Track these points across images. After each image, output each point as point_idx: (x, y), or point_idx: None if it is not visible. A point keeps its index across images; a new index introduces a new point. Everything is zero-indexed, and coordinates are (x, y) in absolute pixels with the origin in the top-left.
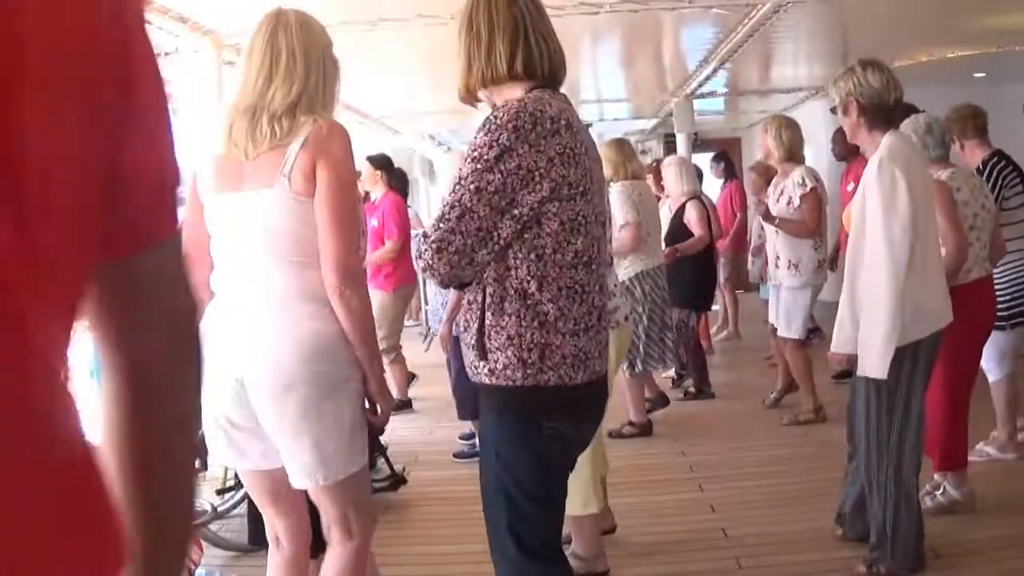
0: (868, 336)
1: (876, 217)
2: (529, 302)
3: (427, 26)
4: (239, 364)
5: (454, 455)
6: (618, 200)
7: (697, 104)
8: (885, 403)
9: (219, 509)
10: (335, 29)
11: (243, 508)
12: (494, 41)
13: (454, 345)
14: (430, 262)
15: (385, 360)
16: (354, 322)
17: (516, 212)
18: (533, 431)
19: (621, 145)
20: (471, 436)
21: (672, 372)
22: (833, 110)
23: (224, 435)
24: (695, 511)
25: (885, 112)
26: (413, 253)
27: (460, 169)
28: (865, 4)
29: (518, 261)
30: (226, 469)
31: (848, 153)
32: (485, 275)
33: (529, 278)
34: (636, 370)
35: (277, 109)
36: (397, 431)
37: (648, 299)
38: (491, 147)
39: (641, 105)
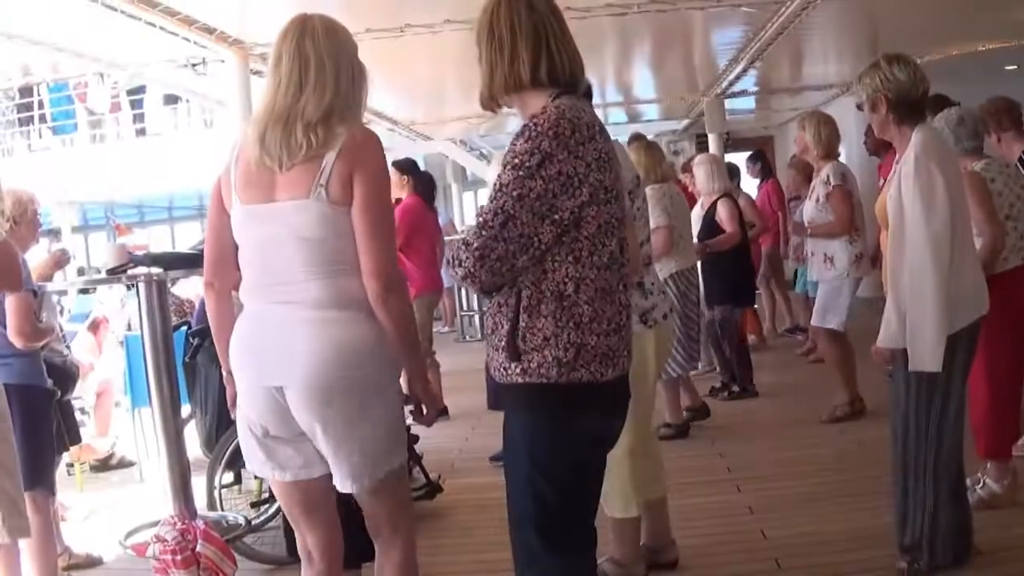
0: (917, 331)
1: (916, 214)
2: (566, 303)
3: (455, 31)
4: (277, 374)
5: (491, 459)
6: (651, 203)
7: (728, 103)
8: (924, 395)
9: (254, 522)
10: (361, 37)
11: (279, 520)
12: (517, 48)
13: None
14: (471, 269)
15: None
16: (397, 326)
17: (557, 217)
18: (566, 428)
19: (651, 148)
20: None
21: (713, 381)
22: (860, 106)
23: (262, 447)
24: (733, 513)
25: (913, 106)
26: (448, 260)
27: (500, 176)
28: None
29: (556, 264)
30: (261, 482)
31: (880, 147)
32: (520, 278)
33: (567, 280)
34: (670, 373)
35: (312, 118)
36: (433, 438)
37: (681, 300)
38: (532, 154)
39: (672, 106)
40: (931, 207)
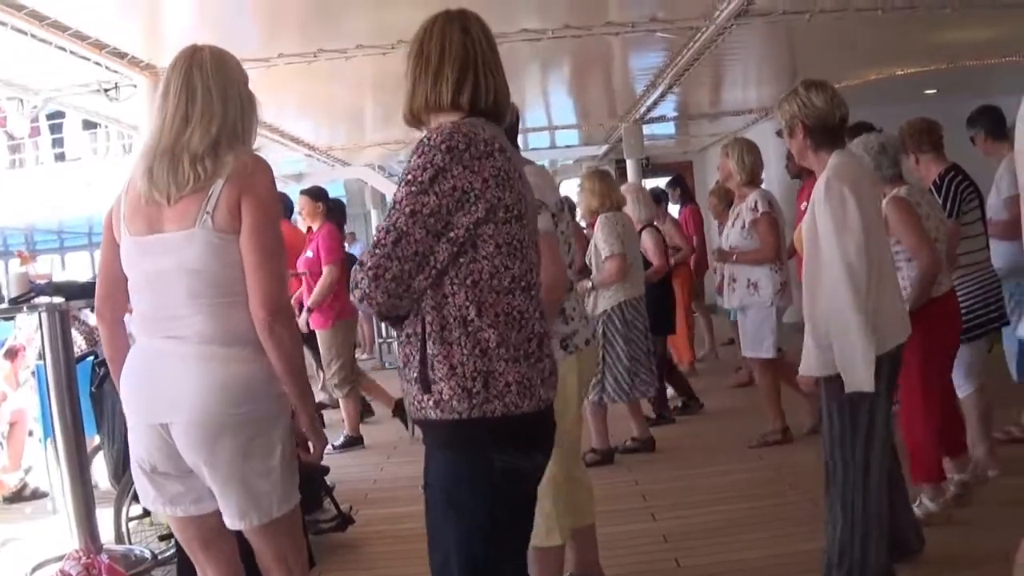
0: (846, 355)
1: (829, 237)
2: (470, 329)
3: (367, 56)
4: (163, 411)
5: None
6: (604, 231)
7: (647, 129)
8: (849, 421)
9: (161, 556)
10: (274, 62)
11: None
12: (443, 69)
13: None
14: (367, 291)
15: (339, 394)
16: (285, 358)
17: (452, 235)
18: (484, 466)
19: (604, 176)
20: None
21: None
22: (779, 133)
23: (152, 483)
24: (647, 542)
25: (831, 132)
26: (351, 279)
27: (395, 193)
28: (812, 24)
29: (455, 287)
30: None
31: (802, 171)
32: (423, 304)
33: (468, 304)
34: (605, 399)
35: (198, 149)
36: (347, 468)
37: (628, 328)
38: (425, 169)
39: (591, 131)
40: (843, 228)
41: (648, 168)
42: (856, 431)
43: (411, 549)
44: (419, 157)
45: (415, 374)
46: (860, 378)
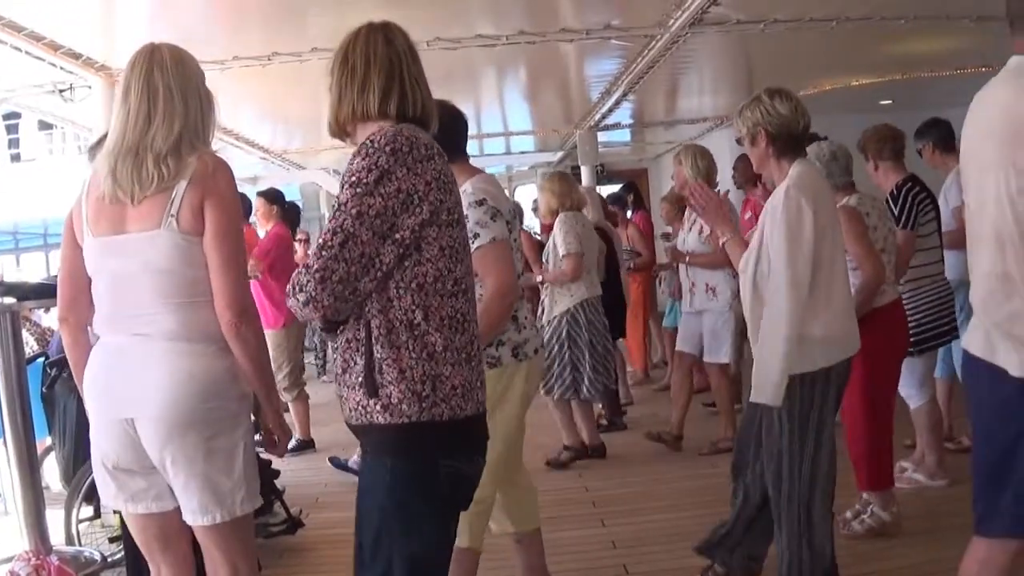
0: (765, 363)
1: (780, 246)
2: (417, 332)
3: (322, 60)
4: (129, 406)
5: (329, 459)
6: (563, 230)
7: (602, 136)
8: (797, 432)
9: (111, 558)
10: (229, 64)
11: None
12: (369, 77)
13: None
14: (313, 294)
15: (288, 397)
16: (250, 356)
17: (397, 236)
18: (431, 471)
19: (564, 177)
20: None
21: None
22: (739, 140)
23: (114, 480)
24: (597, 547)
25: (794, 140)
26: (290, 283)
27: (339, 195)
28: (767, 34)
29: (400, 291)
30: (120, 516)
31: (747, 182)
32: (366, 308)
33: (414, 307)
34: (582, 395)
35: (161, 149)
36: (299, 472)
37: (588, 328)
38: (370, 170)
39: (547, 138)
40: (796, 241)
41: (603, 175)
42: (805, 441)
43: None
44: (363, 159)
45: (359, 379)
46: (771, 392)
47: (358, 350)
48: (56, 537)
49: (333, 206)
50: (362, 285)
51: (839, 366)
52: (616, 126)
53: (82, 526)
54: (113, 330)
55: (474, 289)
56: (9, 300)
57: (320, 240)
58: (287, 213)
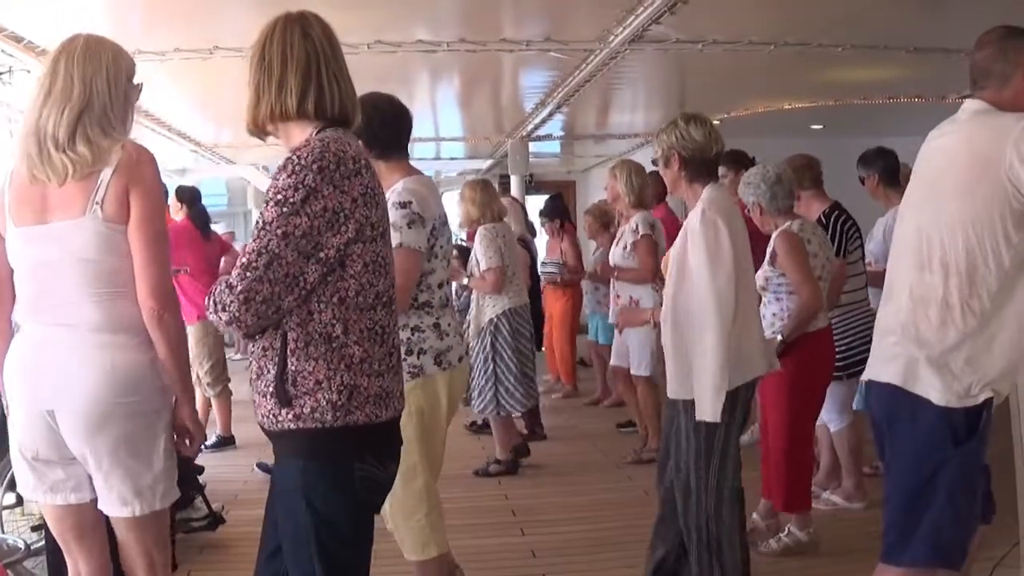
0: (700, 383)
1: (701, 266)
2: (335, 344)
3: None
4: (49, 398)
5: (257, 464)
6: (483, 243)
7: (533, 146)
8: (704, 448)
9: (33, 546)
10: (170, 56)
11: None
12: (286, 76)
13: None
14: (236, 314)
15: (211, 392)
16: (171, 347)
17: (322, 255)
18: (345, 474)
19: (486, 186)
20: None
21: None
22: (654, 161)
23: (33, 471)
24: (516, 556)
25: (706, 165)
26: (211, 299)
27: (263, 213)
28: (704, 55)
29: (322, 305)
30: None
31: (653, 199)
32: (285, 320)
33: (334, 321)
34: (502, 411)
35: (54, 133)
36: (219, 468)
37: (514, 337)
38: (296, 189)
39: (477, 145)
40: (717, 260)
41: (532, 185)
42: (711, 455)
43: None
44: (289, 176)
45: (270, 388)
46: (709, 409)
47: (272, 359)
48: None
49: (257, 223)
50: (285, 303)
51: (746, 386)
52: (547, 137)
53: (4, 514)
54: (35, 320)
55: (395, 302)
56: None
57: (244, 260)
58: (195, 212)
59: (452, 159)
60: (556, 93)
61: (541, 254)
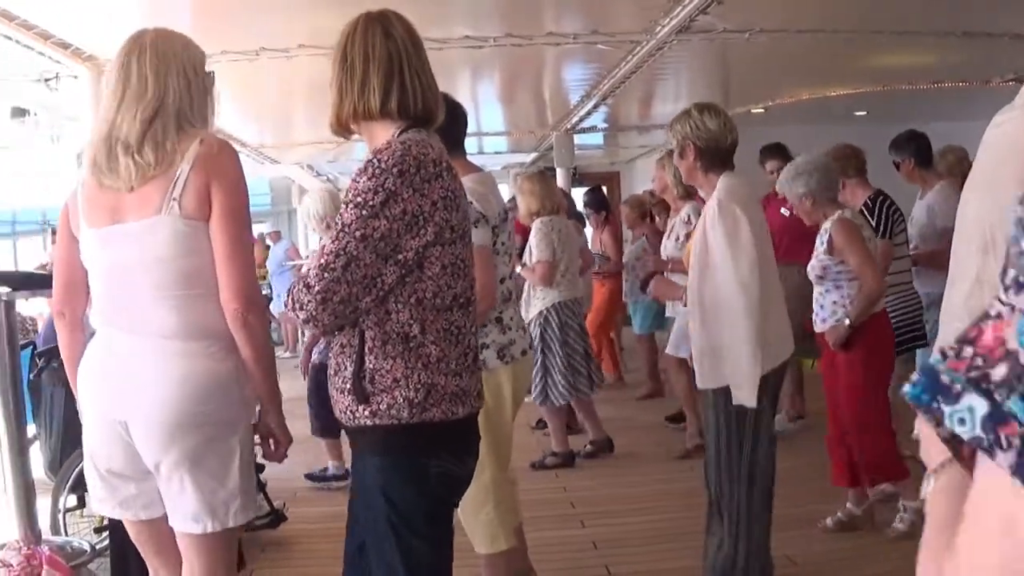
0: (735, 372)
1: (724, 256)
2: (412, 344)
3: (309, 56)
4: (121, 408)
5: (305, 476)
6: (537, 236)
7: (577, 138)
8: (735, 434)
9: (98, 547)
10: (217, 59)
11: None
12: (368, 76)
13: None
14: (314, 313)
15: None
16: (257, 351)
17: (400, 257)
18: (421, 470)
19: (543, 178)
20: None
21: None
22: (670, 152)
23: (105, 483)
24: (578, 548)
25: (721, 155)
26: (289, 297)
27: (342, 215)
28: (750, 44)
29: (399, 305)
30: None
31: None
32: (362, 319)
33: (411, 321)
34: (552, 402)
35: (127, 137)
36: (278, 465)
37: (562, 330)
38: (376, 192)
39: (521, 139)
40: (737, 248)
41: (576, 177)
42: (742, 442)
43: (341, 548)
44: (369, 179)
45: (348, 385)
46: (746, 395)
47: (350, 356)
48: (42, 526)
49: (336, 224)
50: (363, 304)
51: (773, 372)
52: (591, 129)
53: (68, 516)
54: (108, 325)
55: (475, 301)
56: (4, 289)
57: (322, 260)
58: None
59: (496, 153)
60: (601, 85)
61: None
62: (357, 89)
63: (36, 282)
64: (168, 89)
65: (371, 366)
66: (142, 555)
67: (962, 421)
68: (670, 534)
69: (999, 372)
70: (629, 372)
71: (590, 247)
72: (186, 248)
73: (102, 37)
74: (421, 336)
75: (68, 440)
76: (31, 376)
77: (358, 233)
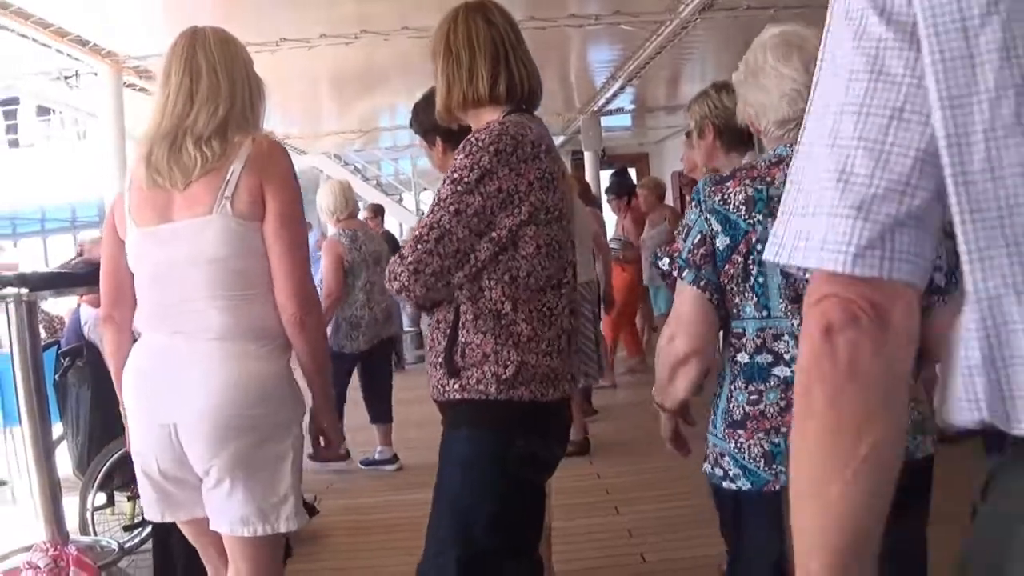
0: None
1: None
2: (504, 321)
3: (330, 46)
4: (169, 411)
5: (361, 462)
6: None
7: (604, 120)
8: None
9: (126, 545)
10: None
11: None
12: (475, 63)
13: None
14: (406, 283)
15: None
16: (312, 352)
17: (494, 235)
18: (505, 447)
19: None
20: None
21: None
22: (688, 134)
23: (153, 488)
24: (612, 536)
25: (741, 133)
26: (387, 269)
27: (439, 190)
28: (776, 19)
29: (492, 282)
30: (134, 504)
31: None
32: (457, 293)
33: (503, 299)
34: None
35: (203, 132)
36: (307, 459)
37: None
38: (472, 169)
39: (548, 122)
40: None
41: (604, 159)
42: None
43: (375, 540)
44: (466, 157)
45: (440, 359)
46: None
47: (444, 332)
48: (69, 526)
49: (434, 198)
50: (456, 278)
51: None
52: (619, 111)
53: (96, 514)
54: (155, 327)
55: (572, 284)
56: (25, 290)
57: (417, 232)
58: None
59: None
60: (627, 66)
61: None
62: (465, 77)
63: (56, 281)
64: (237, 87)
65: (463, 340)
66: (203, 556)
67: None
68: (705, 520)
69: None
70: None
71: (614, 233)
72: (237, 248)
73: (120, 34)
74: (513, 314)
75: (95, 439)
76: (56, 376)
77: (452, 208)
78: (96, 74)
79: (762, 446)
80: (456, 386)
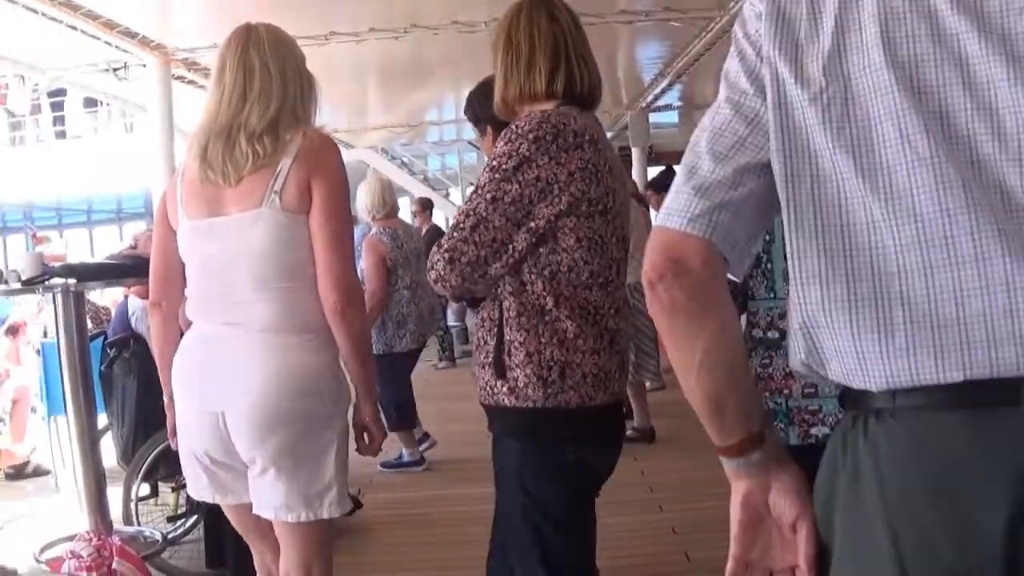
0: None
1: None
2: (547, 318)
3: (379, 40)
4: (218, 399)
5: (381, 464)
6: None
7: (652, 117)
8: None
9: (170, 536)
10: None
11: (196, 533)
12: (535, 58)
13: None
14: (442, 272)
15: None
16: (354, 343)
17: (532, 225)
18: (558, 457)
19: None
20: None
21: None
22: None
23: (204, 472)
24: (656, 533)
25: None
26: (428, 264)
27: (479, 178)
28: None
29: (533, 276)
30: (177, 495)
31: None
32: (500, 289)
33: (545, 294)
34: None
35: (256, 127)
36: (352, 452)
37: (636, 311)
38: (510, 157)
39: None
40: None
41: (651, 156)
42: None
43: (418, 535)
44: (506, 144)
45: (489, 359)
46: None
47: (491, 330)
48: (113, 516)
49: (475, 187)
50: (493, 269)
51: None
52: (666, 108)
53: (140, 505)
54: (205, 318)
55: (617, 282)
56: (72, 281)
57: (454, 220)
58: None
59: None
60: (675, 63)
61: None
62: (523, 71)
63: (104, 272)
64: (289, 85)
65: (508, 338)
66: (246, 540)
67: None
68: None
69: None
70: None
71: None
72: (286, 241)
73: (169, 26)
74: (556, 310)
75: (140, 429)
76: (103, 366)
77: (489, 195)
78: (144, 66)
79: (767, 404)
80: (505, 389)
